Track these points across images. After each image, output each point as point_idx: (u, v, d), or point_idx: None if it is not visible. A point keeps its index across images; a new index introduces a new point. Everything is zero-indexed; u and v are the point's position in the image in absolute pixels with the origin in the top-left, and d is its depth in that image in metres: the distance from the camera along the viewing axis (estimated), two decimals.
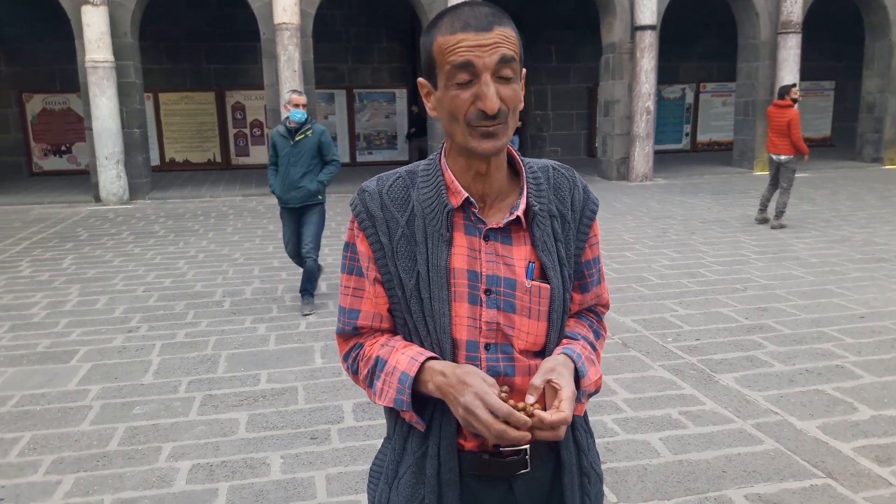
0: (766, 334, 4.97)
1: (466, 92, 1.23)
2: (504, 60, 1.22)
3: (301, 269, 5.99)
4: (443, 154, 1.37)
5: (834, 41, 19.05)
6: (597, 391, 1.39)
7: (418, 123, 16.27)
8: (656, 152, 14.83)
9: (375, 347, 1.36)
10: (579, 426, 1.42)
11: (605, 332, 1.52)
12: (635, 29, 13.66)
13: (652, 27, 13.56)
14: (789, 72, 14.19)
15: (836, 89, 19.60)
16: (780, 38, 14.21)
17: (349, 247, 1.39)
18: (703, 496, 2.99)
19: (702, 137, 19.42)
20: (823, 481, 3.07)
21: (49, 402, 4.06)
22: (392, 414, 1.40)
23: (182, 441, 3.57)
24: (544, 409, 1.22)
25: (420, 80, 1.34)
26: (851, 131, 17.87)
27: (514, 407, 1.18)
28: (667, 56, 16.65)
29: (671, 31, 16.03)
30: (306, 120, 5.77)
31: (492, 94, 1.21)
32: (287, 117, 5.77)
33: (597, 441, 3.40)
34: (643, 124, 13.84)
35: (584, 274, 1.44)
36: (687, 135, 19.34)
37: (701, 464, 3.25)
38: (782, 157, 8.86)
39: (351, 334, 1.40)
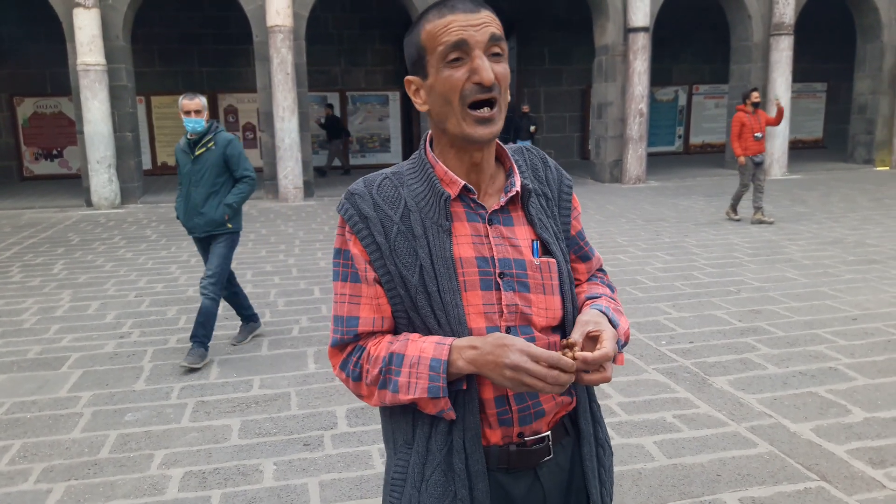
0: (760, 337, 4.97)
1: (460, 70, 1.25)
2: (494, 38, 1.26)
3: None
4: (427, 149, 1.37)
5: (826, 43, 19.14)
6: (626, 342, 1.41)
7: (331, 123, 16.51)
8: (649, 154, 14.87)
9: (383, 346, 1.31)
10: (594, 398, 1.47)
11: (613, 284, 1.60)
12: (628, 31, 13.69)
13: (645, 29, 13.59)
14: (781, 73, 14.25)
15: (828, 91, 19.70)
16: (773, 39, 14.28)
17: (341, 253, 1.36)
18: (698, 500, 2.98)
19: (695, 140, 19.49)
20: (818, 484, 3.07)
21: (40, 410, 4.03)
22: (407, 418, 1.36)
23: (174, 448, 3.54)
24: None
25: (407, 78, 1.35)
26: (843, 133, 17.95)
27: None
28: (660, 58, 16.71)
29: (664, 34, 16.08)
30: (207, 129, 4.75)
31: (487, 66, 1.25)
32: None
33: None
34: (636, 126, 13.87)
35: (581, 244, 1.50)
36: (680, 137, 19.40)
37: (695, 467, 3.24)
38: (760, 157, 9.28)
39: (349, 343, 1.36)
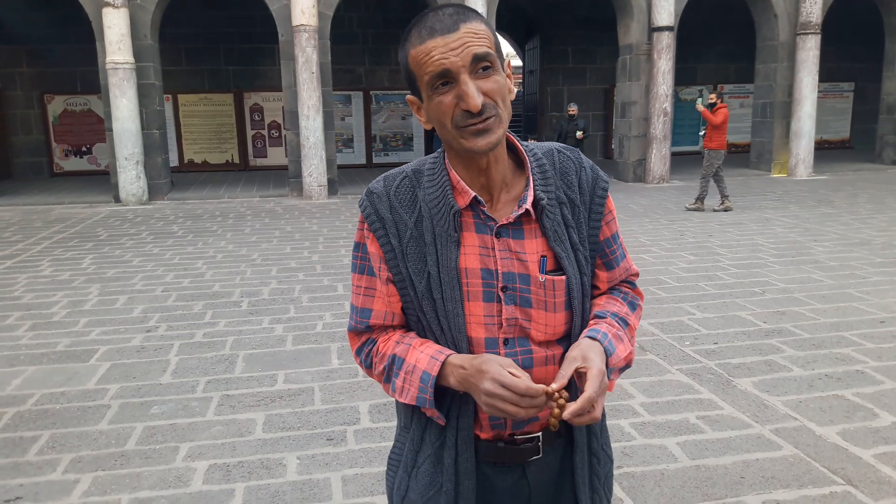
0: (785, 338, 4.92)
1: (448, 96, 1.24)
2: (477, 58, 1.22)
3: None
4: (445, 154, 1.38)
5: (853, 42, 18.86)
6: (628, 366, 1.40)
7: None
8: (673, 154, 14.75)
9: (390, 344, 1.37)
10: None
11: (642, 299, 1.53)
12: (652, 30, 13.59)
13: (669, 28, 13.49)
14: (808, 73, 14.07)
15: (855, 91, 19.41)
16: (799, 39, 14.09)
17: (359, 247, 1.40)
18: (722, 502, 2.97)
19: None
20: (843, 488, 3.04)
21: (68, 401, 4.10)
22: (409, 406, 1.42)
23: (199, 441, 3.59)
24: (576, 396, 1.25)
25: (408, 97, 1.36)
26: (871, 133, 17.68)
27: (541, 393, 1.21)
28: (684, 57, 16.57)
29: (688, 33, 15.93)
30: None
31: (472, 92, 1.21)
32: None
33: (613, 445, 3.39)
34: (660, 126, 13.77)
35: (606, 252, 1.44)
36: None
37: (719, 469, 3.22)
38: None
39: (363, 331, 1.43)
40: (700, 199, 10.59)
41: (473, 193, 1.31)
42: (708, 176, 10.52)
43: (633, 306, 1.48)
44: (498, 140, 1.26)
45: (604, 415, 1.50)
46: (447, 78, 1.22)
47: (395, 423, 3.73)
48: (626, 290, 1.50)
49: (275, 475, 3.25)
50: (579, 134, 12.36)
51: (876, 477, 3.12)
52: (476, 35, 1.23)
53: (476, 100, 1.21)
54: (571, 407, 1.21)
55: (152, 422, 3.82)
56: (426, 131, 16.87)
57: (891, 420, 3.66)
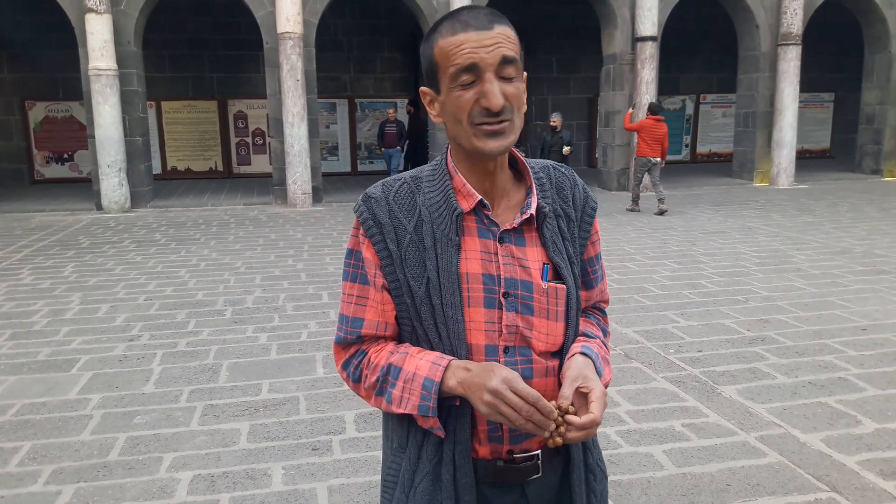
0: (769, 346, 4.96)
1: (469, 92, 1.24)
2: (506, 60, 1.23)
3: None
4: (448, 158, 1.36)
5: (834, 53, 19.13)
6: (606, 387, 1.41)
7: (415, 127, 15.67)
8: None
9: (384, 355, 1.34)
10: None
11: (609, 327, 1.56)
12: (636, 40, 13.71)
13: (653, 38, 13.61)
14: (789, 83, 14.24)
15: (835, 101, 19.67)
16: (781, 49, 14.27)
17: (353, 254, 1.37)
18: None
19: (702, 149, 19.48)
20: (828, 495, 3.06)
21: (49, 412, 4.04)
22: (403, 423, 1.38)
23: (183, 451, 3.55)
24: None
25: (422, 88, 1.34)
26: (851, 143, 17.91)
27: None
28: (667, 67, 16.71)
29: (672, 43, 16.08)
30: None
31: (496, 91, 1.22)
32: None
33: None
34: None
35: (588, 271, 1.46)
36: (687, 146, 19.39)
37: (704, 476, 3.24)
38: (656, 159, 11.26)
39: (352, 343, 1.38)
40: (634, 200, 11.66)
41: (479, 196, 1.31)
42: (635, 180, 11.72)
43: (605, 333, 1.52)
44: (509, 145, 1.28)
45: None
46: (473, 74, 1.23)
47: (381, 432, 3.70)
48: (599, 317, 1.54)
49: (260, 485, 3.22)
50: (566, 150, 11.60)
51: (860, 483, 3.15)
52: (508, 39, 1.25)
53: (499, 98, 1.22)
54: (577, 423, 1.21)
55: (135, 432, 3.77)
56: (410, 138, 16.68)
57: (874, 427, 3.70)
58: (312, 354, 4.93)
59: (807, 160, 18.33)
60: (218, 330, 5.52)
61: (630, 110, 12.55)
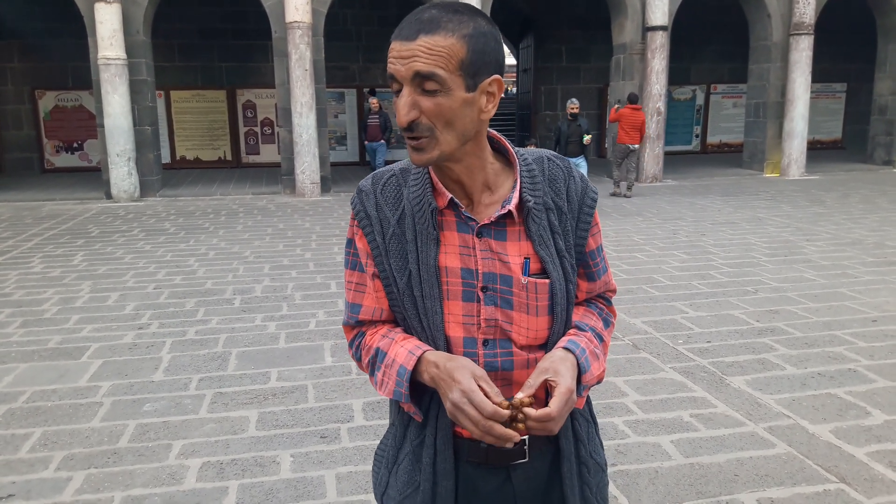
0: (778, 337, 4.94)
1: (399, 99, 1.22)
2: (419, 75, 1.17)
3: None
4: None
5: (846, 43, 18.94)
6: (599, 382, 1.39)
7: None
8: (666, 153, 14.79)
9: (376, 338, 1.38)
10: (579, 416, 1.42)
11: (615, 317, 1.53)
12: (646, 30, 13.62)
13: (663, 28, 13.52)
14: (801, 73, 14.13)
15: (847, 91, 19.50)
16: (793, 39, 14.14)
17: (350, 243, 1.42)
18: (715, 500, 2.97)
19: (712, 139, 19.36)
20: (837, 486, 3.05)
21: (60, 399, 4.07)
22: (394, 401, 1.43)
23: (192, 439, 3.57)
24: (545, 404, 1.23)
25: None
26: (863, 134, 17.76)
27: (500, 405, 1.19)
28: (678, 57, 16.59)
29: (682, 33, 15.96)
30: None
31: (401, 106, 1.20)
32: None
33: (607, 444, 3.40)
34: (654, 125, 13.80)
35: (590, 264, 1.43)
36: (697, 136, 19.28)
37: (713, 467, 3.23)
38: (634, 146, 12.07)
39: (355, 325, 1.44)
40: (615, 183, 12.36)
41: (450, 196, 1.31)
42: (615, 165, 12.41)
43: (607, 323, 1.48)
44: (430, 160, 1.23)
45: (594, 423, 1.48)
46: (397, 83, 1.22)
47: (388, 420, 3.72)
48: (602, 305, 1.51)
49: (268, 473, 3.24)
50: (587, 139, 10.90)
51: (869, 475, 3.14)
52: (430, 51, 1.17)
53: (402, 116, 1.20)
54: (532, 415, 1.19)
55: (145, 419, 3.80)
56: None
57: (883, 418, 3.68)
58: (321, 343, 4.95)
59: (818, 151, 18.20)
60: (227, 318, 5.54)
61: (616, 105, 12.69)
